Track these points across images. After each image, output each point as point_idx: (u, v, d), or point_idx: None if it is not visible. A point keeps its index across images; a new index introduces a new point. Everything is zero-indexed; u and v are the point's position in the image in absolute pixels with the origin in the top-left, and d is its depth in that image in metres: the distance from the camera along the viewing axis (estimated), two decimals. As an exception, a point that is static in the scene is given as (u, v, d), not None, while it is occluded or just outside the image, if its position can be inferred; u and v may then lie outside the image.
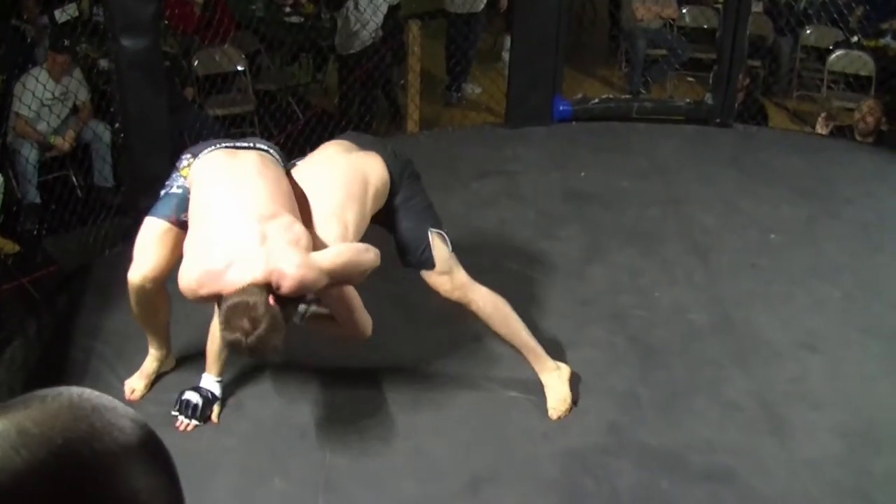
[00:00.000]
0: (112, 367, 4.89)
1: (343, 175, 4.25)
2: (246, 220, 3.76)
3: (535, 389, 4.72)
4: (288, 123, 9.37)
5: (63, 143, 8.29)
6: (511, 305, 4.58)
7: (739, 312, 5.52)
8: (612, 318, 5.43)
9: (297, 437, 4.50)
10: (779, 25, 10.97)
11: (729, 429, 4.62)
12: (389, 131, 9.72)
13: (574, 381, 4.76)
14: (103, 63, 8.31)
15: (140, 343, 4.76)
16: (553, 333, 4.82)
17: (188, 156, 4.27)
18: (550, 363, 4.70)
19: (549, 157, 7.57)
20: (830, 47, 10.69)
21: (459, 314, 4.71)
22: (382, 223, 4.45)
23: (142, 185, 6.17)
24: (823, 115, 9.41)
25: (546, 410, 4.64)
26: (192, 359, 4.88)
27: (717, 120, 8.23)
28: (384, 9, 9.52)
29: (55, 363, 5.00)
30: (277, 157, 4.26)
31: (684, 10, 11.67)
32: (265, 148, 4.25)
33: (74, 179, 8.40)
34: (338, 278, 3.91)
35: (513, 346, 4.64)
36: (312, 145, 7.60)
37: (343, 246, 3.99)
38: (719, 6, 9.57)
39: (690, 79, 11.23)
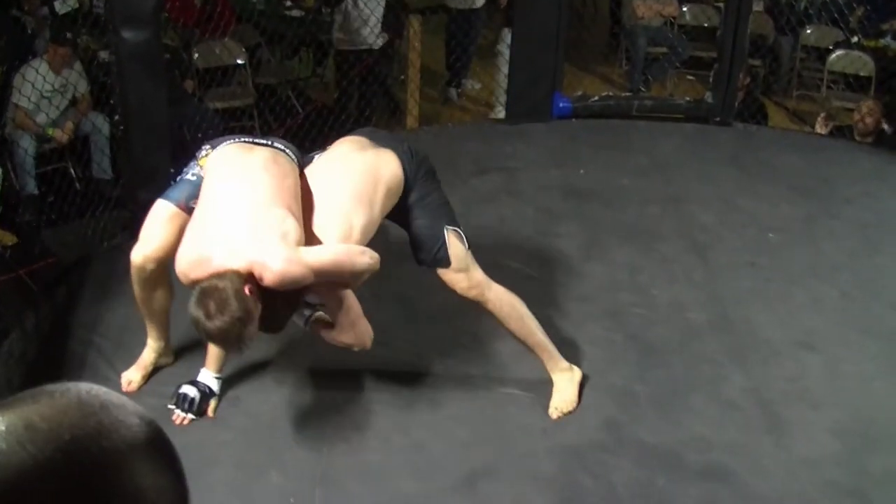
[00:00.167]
0: (110, 360, 4.89)
1: (355, 173, 4.24)
2: (241, 211, 3.78)
3: (533, 386, 4.73)
4: (287, 117, 9.38)
5: (62, 135, 8.27)
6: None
7: (738, 311, 5.53)
8: (611, 316, 5.43)
9: (294, 431, 4.50)
10: (779, 24, 10.98)
11: (727, 427, 4.62)
12: (389, 127, 9.70)
13: (583, 386, 4.77)
14: (103, 55, 8.28)
15: (138, 336, 4.76)
16: (552, 330, 4.81)
17: (207, 146, 4.29)
18: (564, 364, 4.71)
19: (549, 154, 7.56)
20: (831, 47, 10.69)
21: (457, 310, 4.72)
22: (397, 220, 4.46)
23: (141, 177, 6.17)
24: (823, 114, 9.41)
25: (544, 407, 4.64)
26: (190, 353, 4.88)
27: (717, 118, 8.24)
28: (382, 2, 9.47)
29: (53, 356, 4.99)
30: (293, 156, 4.25)
31: (685, 9, 11.67)
32: (281, 147, 4.25)
33: (73, 171, 8.38)
34: (326, 277, 3.87)
35: (527, 346, 4.64)
36: (312, 139, 7.68)
37: (334, 245, 3.98)
38: (720, 5, 9.57)
39: (691, 77, 11.22)
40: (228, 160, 4.09)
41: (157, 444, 1.07)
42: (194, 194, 4.16)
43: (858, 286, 5.83)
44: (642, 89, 10.86)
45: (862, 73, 10.25)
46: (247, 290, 3.63)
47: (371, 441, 4.46)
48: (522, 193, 6.85)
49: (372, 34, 9.34)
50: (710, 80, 8.40)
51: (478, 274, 4.44)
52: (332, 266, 3.85)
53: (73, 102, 8.46)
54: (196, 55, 9.39)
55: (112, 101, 6.50)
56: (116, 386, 4.63)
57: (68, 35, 8.42)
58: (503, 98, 9.01)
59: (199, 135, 8.18)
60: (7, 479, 0.95)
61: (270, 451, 4.37)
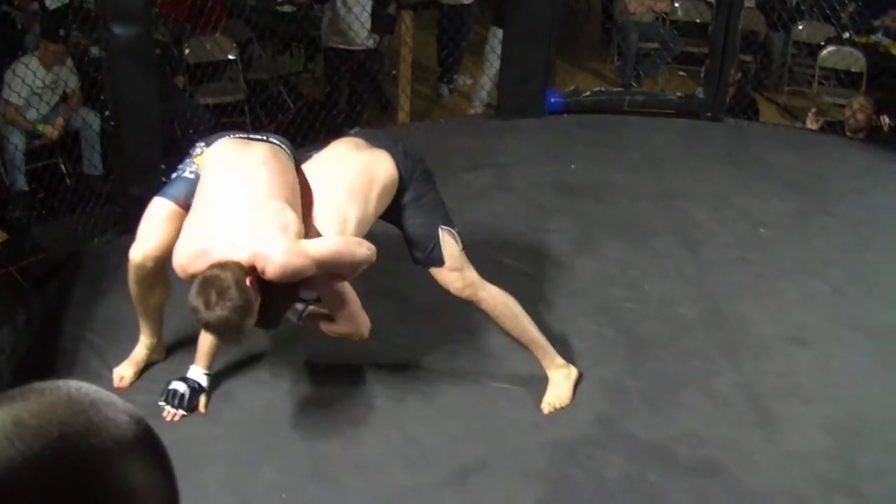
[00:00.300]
0: (101, 356, 4.88)
1: (350, 171, 4.30)
2: (240, 204, 3.79)
3: (525, 381, 4.74)
4: (279, 113, 9.34)
5: (52, 131, 8.25)
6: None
7: (729, 306, 5.53)
8: (603, 311, 5.44)
9: (286, 426, 4.50)
10: (771, 20, 10.97)
11: (717, 422, 4.63)
12: (380, 122, 9.70)
13: (578, 385, 4.78)
14: (94, 51, 8.26)
15: (130, 332, 4.76)
16: (543, 326, 4.82)
17: (202, 144, 4.29)
18: (560, 361, 4.72)
19: (541, 150, 7.56)
20: (822, 43, 10.69)
21: (450, 306, 4.72)
22: (393, 220, 4.50)
23: (131, 173, 6.16)
24: (813, 110, 9.41)
25: (536, 402, 4.65)
26: (181, 350, 4.87)
27: (709, 114, 8.25)
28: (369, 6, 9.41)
29: (44, 352, 4.98)
30: (289, 151, 4.26)
31: (677, 4, 11.66)
32: (277, 142, 4.26)
33: (63, 167, 8.36)
34: (326, 268, 3.90)
35: (522, 344, 4.66)
36: (303, 135, 7.66)
37: (333, 237, 4.02)
38: (712, 0, 9.56)
39: (682, 73, 11.22)
40: (226, 156, 4.10)
41: (147, 443, 1.06)
42: (192, 192, 4.16)
43: (850, 282, 5.85)
44: (634, 85, 10.84)
45: (853, 69, 10.26)
46: (248, 282, 3.64)
47: (363, 435, 4.46)
48: (514, 189, 6.85)
49: (361, 34, 9.28)
50: (702, 75, 8.40)
51: (471, 274, 4.47)
52: (332, 257, 3.88)
53: (64, 98, 8.43)
54: (187, 51, 9.36)
55: (103, 97, 6.47)
56: (108, 381, 4.63)
57: (61, 32, 8.39)
58: (483, 94, 9.09)
59: (191, 130, 8.17)
60: None
61: (263, 446, 4.37)
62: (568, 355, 4.83)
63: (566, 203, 6.65)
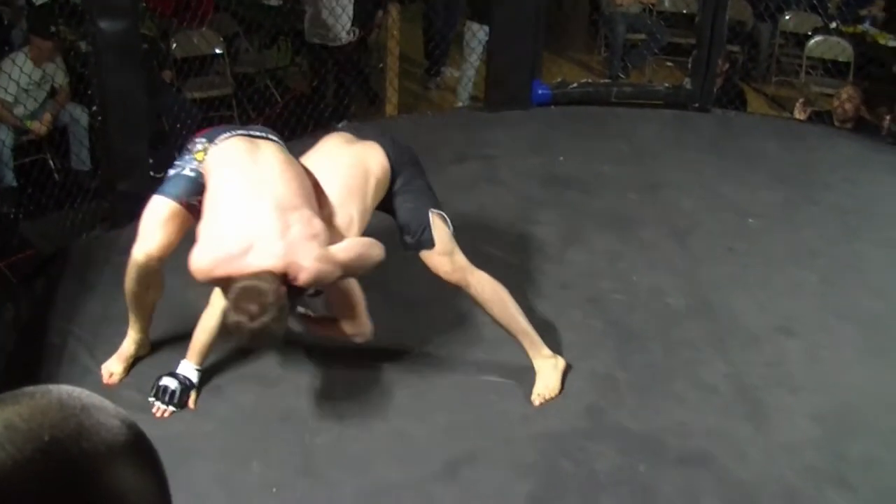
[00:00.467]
0: (89, 351, 4.87)
1: (344, 167, 4.37)
2: (268, 210, 3.84)
3: (515, 373, 4.74)
4: (266, 106, 9.35)
5: (40, 126, 8.23)
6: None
7: (717, 296, 5.54)
8: (591, 302, 5.45)
9: (276, 420, 4.50)
10: (758, 11, 10.96)
11: (706, 412, 4.63)
12: (368, 115, 9.69)
13: (566, 374, 4.78)
14: (82, 45, 8.24)
15: (118, 327, 4.76)
16: (532, 317, 4.82)
17: (203, 140, 4.30)
18: (546, 351, 4.73)
19: (528, 142, 7.56)
20: (809, 33, 10.69)
21: (438, 298, 4.73)
22: (384, 208, 4.54)
23: (119, 168, 6.15)
24: (801, 100, 9.43)
25: (525, 394, 4.65)
26: (169, 345, 4.87)
27: (696, 105, 8.26)
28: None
29: (32, 347, 4.98)
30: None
31: (664, -5, 11.68)
32: (277, 140, 4.32)
33: (52, 163, 8.34)
34: (349, 271, 4.02)
35: (509, 332, 4.67)
36: (291, 128, 7.65)
37: (354, 240, 4.12)
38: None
39: (669, 63, 11.20)
40: (238, 157, 4.12)
41: (139, 447, 1.06)
42: (194, 190, 4.21)
43: (838, 271, 5.86)
44: (621, 76, 10.85)
45: (840, 59, 10.27)
46: (282, 290, 3.73)
47: (352, 429, 4.46)
48: (502, 181, 6.86)
49: (340, 30, 9.24)
50: (689, 66, 8.40)
51: (461, 258, 4.50)
52: (355, 261, 4.01)
53: (52, 94, 8.41)
54: (174, 45, 9.34)
55: (90, 92, 6.46)
56: (97, 376, 4.63)
57: (52, 29, 8.36)
58: (464, 93, 9.11)
59: (178, 125, 8.16)
60: None
61: (252, 441, 4.37)
62: (557, 347, 4.84)
63: (554, 195, 6.66)
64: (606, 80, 9.73)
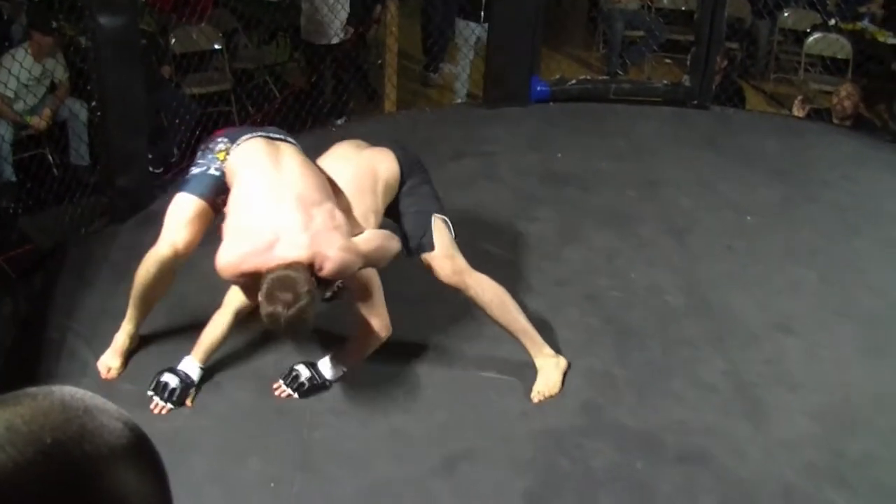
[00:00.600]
0: (88, 346, 4.87)
1: (357, 169, 4.51)
2: (291, 206, 3.96)
3: (513, 370, 4.75)
4: (265, 102, 9.34)
5: (40, 122, 8.22)
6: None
7: (715, 294, 5.54)
8: (589, 300, 5.45)
9: (273, 417, 4.50)
10: (757, 8, 10.97)
11: (705, 410, 4.64)
12: (366, 112, 9.69)
13: (567, 373, 4.79)
14: (82, 40, 8.23)
15: (117, 322, 4.75)
16: (529, 315, 4.82)
17: (224, 140, 4.41)
18: (548, 350, 4.75)
19: (527, 138, 7.56)
20: (808, 30, 10.70)
21: (437, 296, 4.73)
22: (389, 213, 4.64)
23: (118, 163, 6.15)
24: (800, 97, 9.43)
25: (523, 391, 4.66)
26: (167, 338, 4.87)
27: (695, 102, 8.25)
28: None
29: (31, 342, 4.98)
30: None
31: (662, -8, 11.68)
32: (294, 142, 4.46)
33: (50, 158, 8.33)
34: (370, 261, 4.13)
35: (510, 333, 4.69)
36: (289, 124, 7.64)
37: (374, 231, 4.26)
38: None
39: (668, 60, 11.24)
40: (261, 158, 4.23)
41: (141, 450, 1.05)
42: (220, 190, 4.33)
43: (836, 269, 5.86)
44: (620, 73, 10.84)
45: (839, 56, 10.27)
46: (312, 278, 3.86)
47: (350, 425, 4.46)
48: (500, 178, 6.85)
49: (340, 27, 9.21)
50: (688, 63, 8.40)
51: (461, 262, 4.56)
52: (376, 252, 4.16)
53: (52, 89, 8.40)
54: (173, 40, 9.32)
55: (89, 88, 6.46)
56: (96, 371, 4.63)
57: (54, 24, 8.35)
58: (462, 89, 9.12)
59: (177, 121, 8.17)
60: None
61: (250, 437, 4.37)
62: (555, 345, 4.84)
63: (552, 191, 6.66)
64: (605, 77, 9.70)
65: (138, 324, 4.74)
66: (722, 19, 8.03)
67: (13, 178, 8.04)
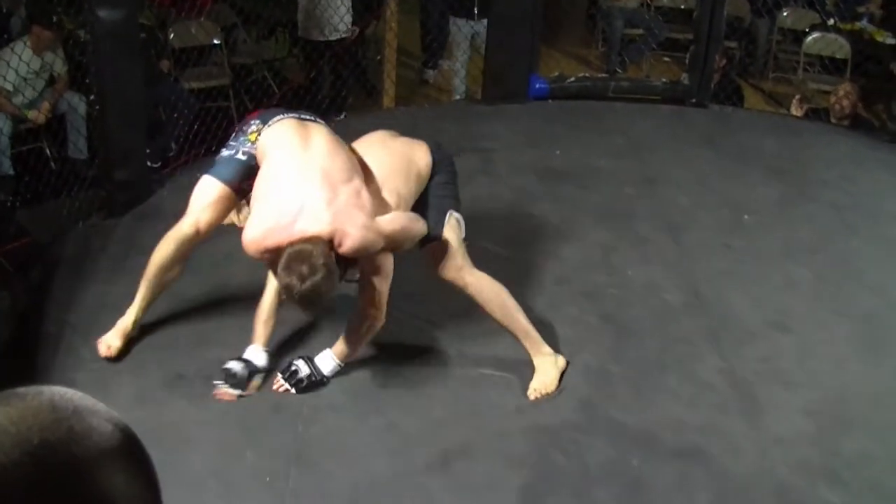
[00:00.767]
0: (85, 339, 4.87)
1: (392, 153, 4.57)
2: (317, 183, 4.01)
3: (508, 366, 4.75)
4: (264, 97, 9.34)
5: (38, 115, 8.22)
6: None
7: (712, 291, 5.55)
8: (586, 296, 5.45)
9: (269, 411, 4.50)
10: (756, 7, 10.97)
11: (700, 407, 4.64)
12: (365, 108, 9.69)
13: (564, 373, 4.79)
14: (82, 34, 8.23)
15: (114, 315, 4.76)
16: (526, 311, 4.82)
17: (257, 121, 4.47)
18: (547, 349, 4.75)
19: (525, 135, 7.57)
20: (807, 30, 10.71)
21: (434, 292, 4.73)
22: (414, 206, 4.62)
23: (116, 157, 6.15)
24: (798, 97, 9.44)
25: (519, 387, 4.66)
26: (166, 332, 4.88)
27: (693, 100, 8.26)
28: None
29: (28, 335, 4.98)
30: None
31: (662, -10, 11.68)
32: (324, 123, 4.50)
33: (48, 151, 8.33)
34: (392, 243, 4.17)
35: (509, 331, 4.70)
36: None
37: (399, 213, 4.28)
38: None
39: (667, 59, 11.24)
40: (289, 138, 4.27)
41: (131, 452, 1.05)
42: (246, 174, 4.39)
43: (833, 268, 5.86)
44: (619, 71, 10.85)
45: (838, 56, 10.27)
46: (330, 253, 3.90)
47: (346, 420, 4.46)
48: (498, 174, 6.86)
49: (339, 23, 9.19)
50: (687, 61, 8.41)
51: (462, 259, 4.58)
52: (400, 233, 4.19)
53: (51, 82, 8.40)
54: (172, 35, 9.32)
55: (88, 81, 6.46)
56: (92, 365, 4.63)
57: (54, 18, 8.35)
58: (461, 86, 9.13)
59: (175, 115, 8.17)
60: None
61: (246, 431, 4.37)
62: (551, 341, 4.84)
63: (550, 189, 6.66)
64: (604, 75, 9.72)
65: (145, 308, 4.77)
66: (721, 18, 8.04)
67: (11, 172, 8.04)
